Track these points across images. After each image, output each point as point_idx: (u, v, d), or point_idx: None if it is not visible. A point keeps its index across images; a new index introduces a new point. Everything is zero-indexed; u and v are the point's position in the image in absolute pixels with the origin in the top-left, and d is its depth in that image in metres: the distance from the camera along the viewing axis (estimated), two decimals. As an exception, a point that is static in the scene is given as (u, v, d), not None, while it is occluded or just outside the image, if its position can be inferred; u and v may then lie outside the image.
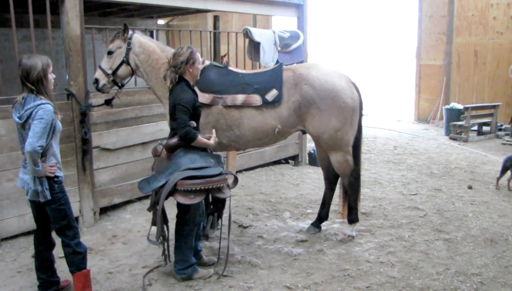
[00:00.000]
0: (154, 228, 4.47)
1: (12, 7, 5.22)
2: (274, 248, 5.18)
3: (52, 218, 3.94)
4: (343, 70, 5.43)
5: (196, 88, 5.08)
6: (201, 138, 4.28)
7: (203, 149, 4.42)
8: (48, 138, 3.74)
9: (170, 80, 4.38)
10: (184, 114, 4.23)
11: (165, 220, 4.52)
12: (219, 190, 4.30)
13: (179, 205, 4.35)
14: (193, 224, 4.44)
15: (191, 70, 4.40)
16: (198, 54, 4.47)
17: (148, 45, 5.24)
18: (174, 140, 4.27)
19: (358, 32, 24.57)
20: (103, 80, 5.19)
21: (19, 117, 3.73)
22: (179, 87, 4.38)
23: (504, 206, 6.48)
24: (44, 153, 3.75)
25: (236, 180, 4.58)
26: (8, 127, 5.27)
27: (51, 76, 3.87)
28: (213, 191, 4.27)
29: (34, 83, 3.72)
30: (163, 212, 4.38)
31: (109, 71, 5.19)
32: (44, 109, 3.66)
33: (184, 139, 4.22)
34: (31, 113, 3.67)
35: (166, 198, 4.14)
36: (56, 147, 3.90)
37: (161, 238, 4.41)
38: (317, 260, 4.89)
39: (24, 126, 3.75)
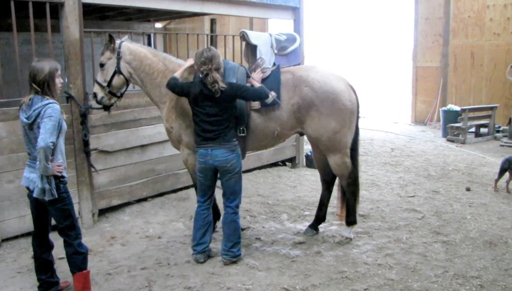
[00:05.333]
0: None
1: (14, 12, 5.26)
2: (272, 250, 5.20)
3: (56, 218, 3.99)
4: (340, 73, 5.47)
5: None
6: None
7: None
8: (56, 136, 3.83)
9: (222, 81, 4.63)
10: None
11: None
12: None
13: (235, 191, 4.89)
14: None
15: None
16: None
17: (139, 51, 5.27)
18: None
19: (354, 34, 24.67)
20: (100, 94, 5.27)
21: (27, 118, 3.82)
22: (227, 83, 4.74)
23: (503, 208, 6.48)
24: (52, 152, 3.82)
25: None
26: (8, 129, 5.30)
27: (58, 80, 3.98)
28: None
29: (40, 85, 3.84)
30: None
31: (104, 84, 5.23)
32: (53, 108, 3.78)
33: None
34: (39, 113, 3.77)
35: None
36: (62, 146, 3.99)
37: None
38: (314, 262, 4.91)
39: (32, 126, 3.83)
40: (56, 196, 3.85)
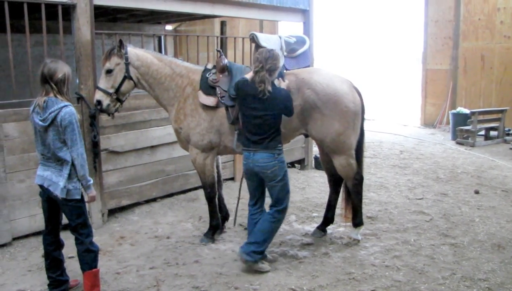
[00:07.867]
0: None
1: (27, 14, 5.34)
2: (280, 251, 5.22)
3: (68, 216, 4.04)
4: (345, 75, 5.49)
5: (200, 92, 5.18)
6: None
7: None
8: None
9: (269, 84, 4.50)
10: None
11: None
12: None
13: (279, 198, 4.70)
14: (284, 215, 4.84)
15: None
16: None
17: (146, 57, 5.30)
18: None
19: (364, 37, 24.64)
20: (106, 101, 5.18)
21: (43, 120, 3.83)
22: (280, 90, 4.66)
23: (511, 212, 6.45)
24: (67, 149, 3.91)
25: None
26: (20, 129, 5.37)
27: None
28: None
29: (57, 83, 3.86)
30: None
31: (111, 90, 5.17)
32: (70, 113, 3.82)
33: None
34: (55, 116, 3.79)
35: None
36: None
37: None
38: (322, 263, 4.93)
39: (47, 129, 3.84)
40: (78, 197, 3.94)
